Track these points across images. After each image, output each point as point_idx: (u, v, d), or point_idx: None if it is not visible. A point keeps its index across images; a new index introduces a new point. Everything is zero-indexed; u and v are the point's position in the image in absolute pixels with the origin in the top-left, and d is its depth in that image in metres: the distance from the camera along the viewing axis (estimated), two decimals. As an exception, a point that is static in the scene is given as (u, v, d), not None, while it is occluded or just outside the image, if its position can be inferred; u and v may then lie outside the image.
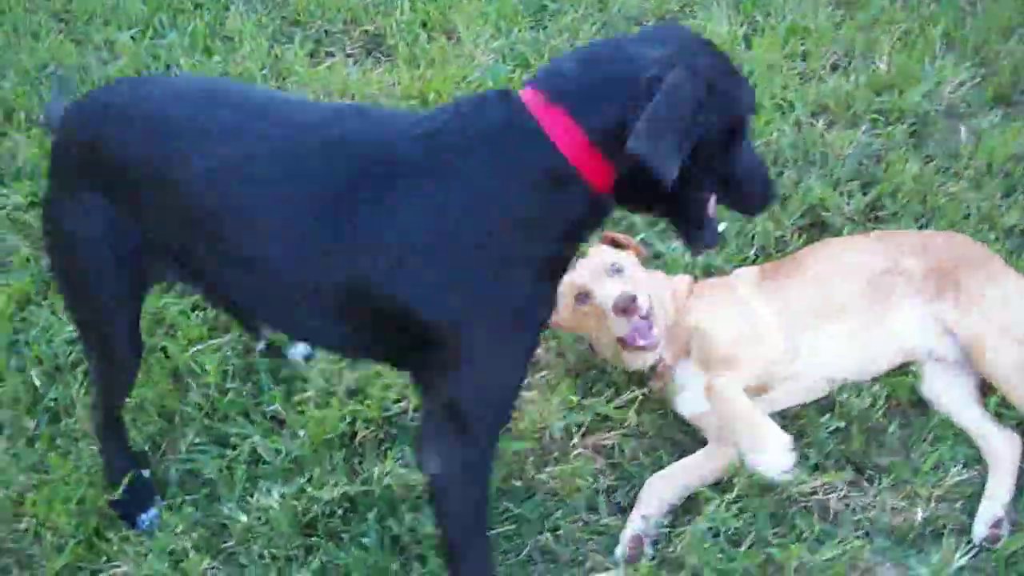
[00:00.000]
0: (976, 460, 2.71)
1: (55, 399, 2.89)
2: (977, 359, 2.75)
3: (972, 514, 2.58)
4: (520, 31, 4.36)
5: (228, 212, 2.06)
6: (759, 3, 4.55)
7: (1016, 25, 4.43)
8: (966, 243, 3.07)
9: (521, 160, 1.94)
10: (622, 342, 2.73)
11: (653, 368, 2.83)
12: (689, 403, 2.80)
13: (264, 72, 4.11)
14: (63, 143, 2.29)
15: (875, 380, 2.86)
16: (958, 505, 2.62)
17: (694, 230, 2.19)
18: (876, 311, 2.84)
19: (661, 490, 2.62)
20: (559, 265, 2.11)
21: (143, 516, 2.62)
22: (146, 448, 2.78)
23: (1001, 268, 2.94)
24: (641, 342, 2.68)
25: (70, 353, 2.99)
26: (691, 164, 1.92)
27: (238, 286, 2.17)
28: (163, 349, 2.97)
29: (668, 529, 2.57)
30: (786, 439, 2.45)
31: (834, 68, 4.20)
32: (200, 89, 2.28)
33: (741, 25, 4.39)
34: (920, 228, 3.34)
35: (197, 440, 2.78)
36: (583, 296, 2.75)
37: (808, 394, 2.85)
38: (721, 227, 2.79)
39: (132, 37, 4.38)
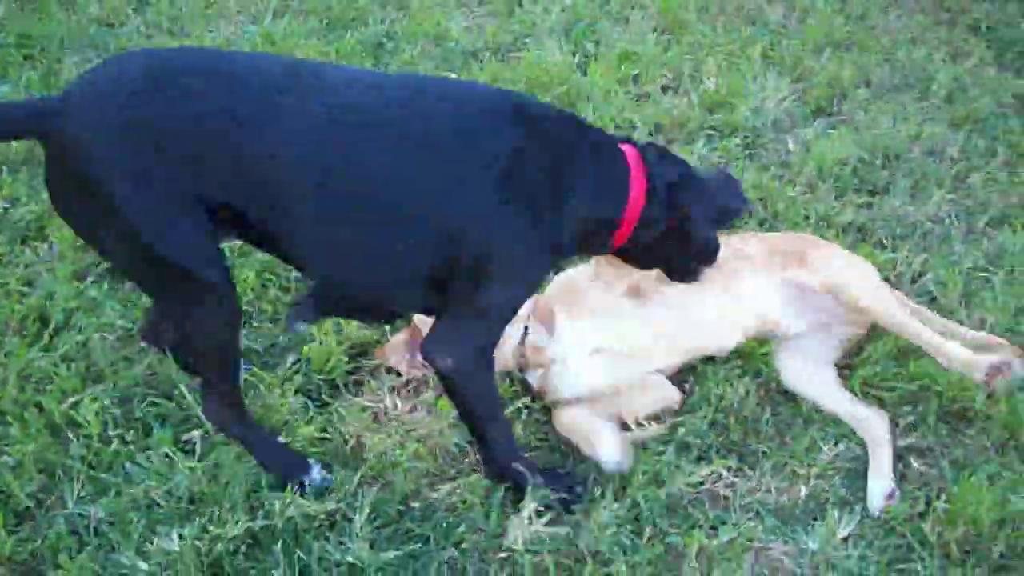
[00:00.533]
0: (844, 436, 2.88)
1: None
2: (840, 294, 3.00)
3: (849, 487, 2.74)
4: (362, 67, 4.41)
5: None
6: (589, 33, 4.76)
7: (826, 43, 4.78)
8: (806, 236, 3.30)
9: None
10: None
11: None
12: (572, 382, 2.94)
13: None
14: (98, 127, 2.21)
15: (746, 373, 3.01)
16: (836, 480, 2.77)
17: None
18: (727, 287, 3.01)
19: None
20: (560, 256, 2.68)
21: (314, 475, 2.70)
22: (30, 506, 2.64)
23: (840, 249, 3.20)
24: None
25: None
26: None
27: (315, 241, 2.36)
28: (37, 404, 2.85)
29: (571, 528, 2.64)
30: (616, 437, 2.77)
31: (665, 90, 4.42)
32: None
33: (574, 55, 4.57)
34: (765, 231, 3.54)
35: (83, 493, 2.66)
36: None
37: (685, 355, 3.03)
38: None
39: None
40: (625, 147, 2.62)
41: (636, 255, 2.73)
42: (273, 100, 2.24)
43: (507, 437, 2.69)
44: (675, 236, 2.66)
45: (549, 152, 2.43)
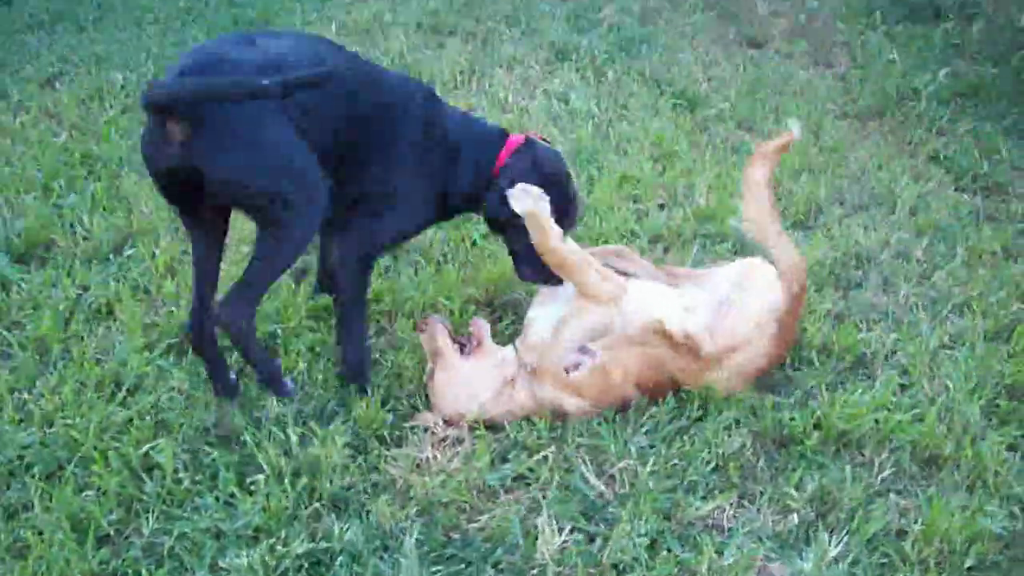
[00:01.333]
0: (824, 468, 3.28)
1: (14, 498, 3.04)
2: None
3: (836, 516, 3.10)
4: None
5: None
6: (592, 160, 5.32)
7: (803, 169, 5.36)
8: None
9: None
10: None
11: None
12: None
13: (167, 225, 4.50)
14: None
15: (741, 425, 3.42)
16: (823, 509, 3.14)
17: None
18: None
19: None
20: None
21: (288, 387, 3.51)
22: (110, 533, 2.95)
23: None
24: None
25: (23, 457, 3.17)
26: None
27: None
28: (116, 449, 3.19)
29: (590, 546, 2.99)
30: None
31: (661, 207, 4.93)
32: None
33: (580, 178, 5.11)
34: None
35: (157, 525, 2.96)
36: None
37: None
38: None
39: (35, 198, 4.72)
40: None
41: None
42: None
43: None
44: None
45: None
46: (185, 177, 2.90)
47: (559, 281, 3.52)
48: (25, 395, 3.43)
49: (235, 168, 2.91)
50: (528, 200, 3.35)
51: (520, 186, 3.38)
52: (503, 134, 3.67)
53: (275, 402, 3.43)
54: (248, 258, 3.17)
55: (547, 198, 3.38)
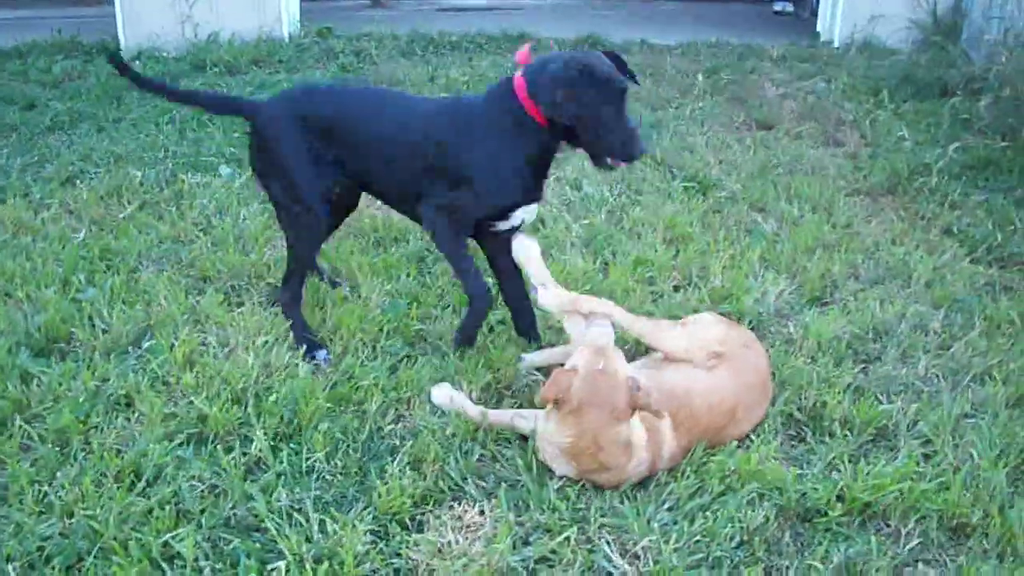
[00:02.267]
0: (850, 546, 3.23)
1: None
2: None
3: (864, 588, 3.09)
4: (407, 276, 4.99)
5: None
6: (607, 245, 5.37)
7: (816, 246, 5.39)
8: None
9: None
10: None
11: None
12: None
13: (186, 317, 4.55)
14: (276, 116, 4.28)
15: (764, 499, 3.39)
16: (850, 581, 3.13)
17: (596, 159, 4.03)
18: None
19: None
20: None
21: (322, 353, 4.31)
22: None
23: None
24: None
25: (43, 549, 3.15)
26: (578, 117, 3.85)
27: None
28: (136, 539, 3.18)
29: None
30: None
31: (676, 288, 4.95)
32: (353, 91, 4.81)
33: (595, 261, 5.15)
34: (773, 399, 3.99)
35: None
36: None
37: None
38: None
39: (55, 292, 4.78)
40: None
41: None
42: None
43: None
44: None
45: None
46: None
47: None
48: (46, 487, 3.43)
49: None
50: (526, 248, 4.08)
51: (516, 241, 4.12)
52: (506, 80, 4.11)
53: (293, 489, 3.43)
54: None
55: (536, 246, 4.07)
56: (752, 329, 4.49)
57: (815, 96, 8.96)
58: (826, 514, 3.33)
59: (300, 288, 4.47)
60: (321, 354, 4.28)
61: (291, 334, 4.39)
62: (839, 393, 3.99)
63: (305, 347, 4.30)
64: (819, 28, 12.20)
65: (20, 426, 3.75)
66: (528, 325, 4.41)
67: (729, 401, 3.69)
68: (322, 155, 4.22)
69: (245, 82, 9.40)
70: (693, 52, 11.04)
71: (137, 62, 10.27)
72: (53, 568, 3.06)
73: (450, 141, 4.05)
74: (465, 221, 4.12)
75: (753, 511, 3.32)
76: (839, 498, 3.39)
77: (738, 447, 3.65)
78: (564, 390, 3.40)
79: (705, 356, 3.80)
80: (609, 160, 3.95)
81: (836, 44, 11.59)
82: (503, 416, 3.78)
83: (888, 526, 3.33)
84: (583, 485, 3.47)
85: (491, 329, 4.50)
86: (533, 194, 4.14)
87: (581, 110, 3.82)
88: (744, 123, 8.22)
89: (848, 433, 3.77)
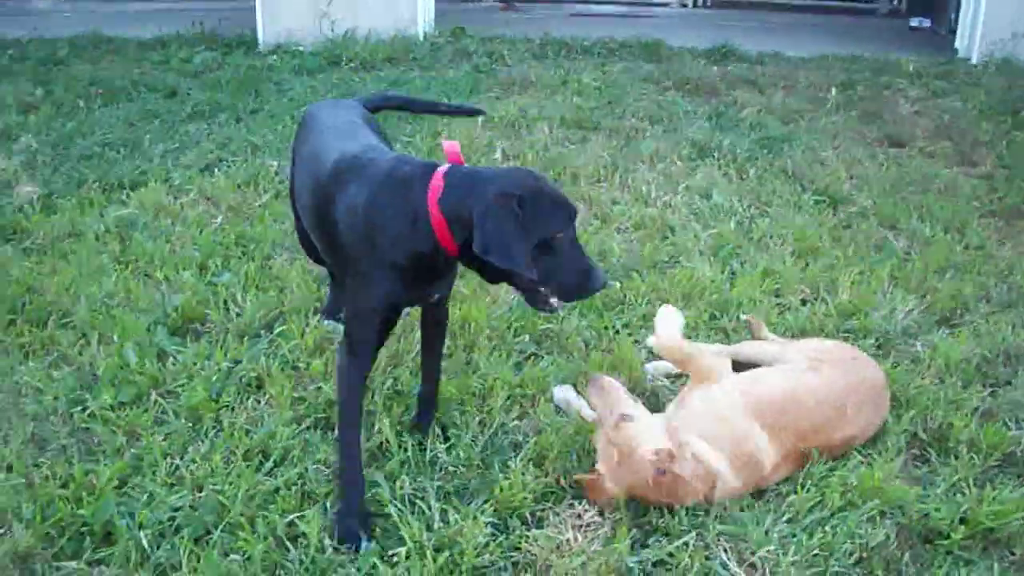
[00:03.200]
0: (971, 571, 3.19)
1: (163, 558, 3.16)
2: None
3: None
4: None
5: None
6: (735, 254, 5.38)
7: (948, 267, 5.32)
8: None
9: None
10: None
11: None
12: None
13: (316, 305, 4.70)
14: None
15: (885, 515, 3.39)
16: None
17: (531, 301, 3.23)
18: None
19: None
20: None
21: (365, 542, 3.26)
22: None
23: None
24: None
25: (173, 519, 3.30)
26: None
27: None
28: (262, 517, 3.30)
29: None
30: None
31: (804, 302, 4.93)
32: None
33: (722, 271, 5.17)
34: (898, 415, 3.95)
35: None
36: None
37: None
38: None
39: (192, 275, 5.00)
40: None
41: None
42: None
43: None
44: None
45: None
46: None
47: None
48: (177, 460, 3.60)
49: None
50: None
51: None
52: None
53: (416, 478, 3.52)
54: None
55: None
56: (878, 347, 4.47)
57: (949, 114, 8.79)
58: (948, 536, 3.29)
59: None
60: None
61: None
62: (966, 415, 3.93)
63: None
64: (957, 45, 11.95)
65: (156, 401, 3.94)
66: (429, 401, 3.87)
67: (837, 396, 3.67)
68: None
69: (380, 78, 9.59)
70: (827, 65, 10.90)
71: (274, 56, 10.58)
72: (182, 538, 3.20)
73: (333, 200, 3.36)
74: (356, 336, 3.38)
75: (873, 528, 3.31)
76: (962, 521, 3.35)
77: (860, 463, 3.63)
78: (603, 495, 3.43)
79: (807, 359, 3.84)
80: (553, 301, 3.22)
81: (974, 61, 11.33)
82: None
83: (1012, 554, 3.27)
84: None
85: (617, 332, 4.55)
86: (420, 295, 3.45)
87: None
88: (876, 139, 8.10)
89: (974, 456, 3.71)
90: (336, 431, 3.48)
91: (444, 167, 3.17)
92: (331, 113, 3.96)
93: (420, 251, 3.16)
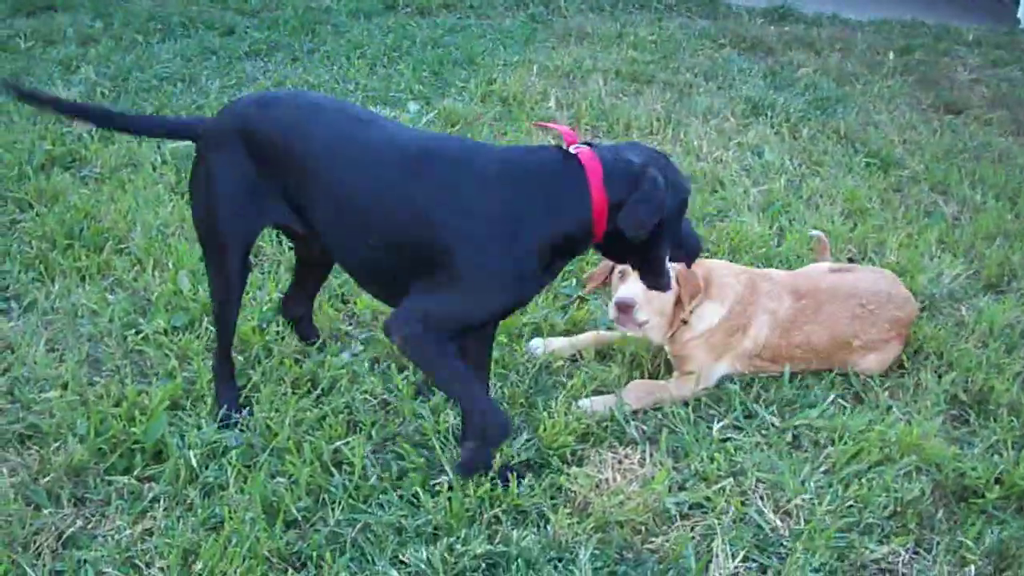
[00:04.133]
0: (1004, 529, 3.22)
1: (211, 477, 3.25)
2: None
3: (1003, 571, 3.08)
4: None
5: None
6: (784, 212, 5.39)
7: (997, 233, 5.30)
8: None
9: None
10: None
11: None
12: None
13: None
14: (218, 125, 3.35)
15: (921, 472, 3.42)
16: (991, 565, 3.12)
17: (653, 276, 3.25)
18: None
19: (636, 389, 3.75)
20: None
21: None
22: (298, 518, 3.11)
23: None
24: (624, 329, 3.82)
25: (219, 442, 3.38)
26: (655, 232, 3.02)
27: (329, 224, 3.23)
28: (309, 443, 3.38)
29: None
30: None
31: (851, 261, 4.94)
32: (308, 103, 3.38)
33: (770, 227, 5.18)
34: (939, 376, 3.99)
35: (342, 516, 3.12)
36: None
37: None
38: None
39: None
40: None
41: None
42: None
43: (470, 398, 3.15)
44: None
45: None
46: None
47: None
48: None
49: None
50: None
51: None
52: None
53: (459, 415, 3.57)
54: None
55: None
56: (923, 308, 4.47)
57: (1008, 83, 8.69)
58: (983, 495, 3.33)
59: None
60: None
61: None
62: (1008, 380, 3.95)
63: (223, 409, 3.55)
64: (1019, 15, 11.75)
65: (207, 327, 4.02)
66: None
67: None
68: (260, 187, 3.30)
69: (435, 24, 9.57)
70: (886, 30, 10.76)
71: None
72: (231, 461, 3.29)
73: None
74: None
75: (909, 484, 3.35)
76: (998, 481, 3.38)
77: (899, 419, 3.67)
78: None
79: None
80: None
81: (1036, 32, 11.17)
82: None
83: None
84: (743, 440, 3.56)
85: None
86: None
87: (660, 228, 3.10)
88: (932, 105, 8.03)
89: (1014, 420, 3.73)
90: (446, 392, 3.40)
91: (585, 150, 3.07)
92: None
93: (571, 239, 3.08)
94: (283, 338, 4.00)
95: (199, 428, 3.43)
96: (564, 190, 3.01)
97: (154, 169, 5.56)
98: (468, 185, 3.03)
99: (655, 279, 3.26)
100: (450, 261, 2.99)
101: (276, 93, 3.94)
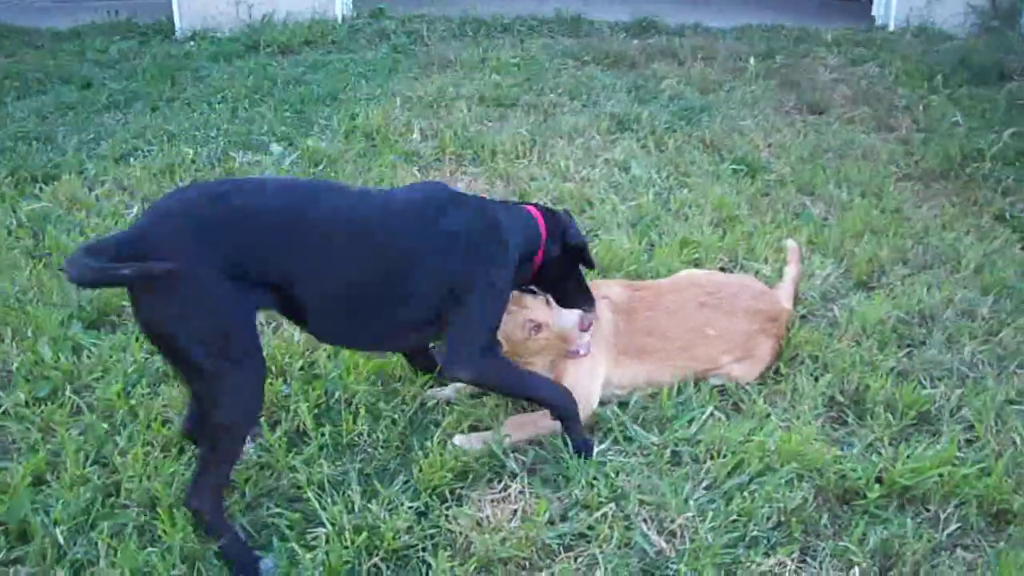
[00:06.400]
0: (887, 528, 3.22)
1: (80, 554, 3.08)
2: None
3: (888, 570, 3.08)
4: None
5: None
6: (653, 225, 5.37)
7: (864, 230, 5.37)
8: None
9: None
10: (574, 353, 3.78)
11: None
12: None
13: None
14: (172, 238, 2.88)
15: (802, 479, 3.40)
16: (885, 563, 3.11)
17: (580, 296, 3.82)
18: None
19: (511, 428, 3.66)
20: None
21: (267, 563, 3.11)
22: None
23: None
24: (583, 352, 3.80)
25: (91, 516, 3.22)
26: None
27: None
28: (181, 507, 3.21)
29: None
30: None
31: (723, 270, 4.93)
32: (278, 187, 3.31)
33: (640, 243, 5.16)
34: (815, 378, 3.99)
35: None
36: (538, 327, 3.70)
37: None
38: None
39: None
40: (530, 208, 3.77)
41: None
42: None
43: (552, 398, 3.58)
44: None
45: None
46: None
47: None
48: (92, 455, 3.53)
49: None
50: None
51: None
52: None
53: (335, 462, 3.50)
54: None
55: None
56: (803, 317, 4.49)
57: (868, 81, 8.88)
58: (865, 496, 3.33)
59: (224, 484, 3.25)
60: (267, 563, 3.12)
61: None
62: (882, 377, 3.97)
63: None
64: (874, 12, 12.04)
65: (70, 396, 3.85)
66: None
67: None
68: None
69: (298, 62, 9.47)
70: (748, 35, 10.94)
71: (192, 43, 10.40)
72: (100, 532, 3.14)
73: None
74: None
75: (791, 491, 3.33)
76: (878, 480, 3.39)
77: (777, 428, 3.65)
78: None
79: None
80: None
81: (891, 28, 11.42)
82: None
83: (927, 510, 3.32)
84: (623, 463, 3.50)
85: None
86: None
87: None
88: (795, 107, 8.16)
89: (890, 416, 3.75)
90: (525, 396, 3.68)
91: (530, 206, 3.80)
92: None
93: (528, 257, 3.66)
94: (152, 398, 3.84)
95: (63, 502, 3.26)
96: (528, 226, 3.66)
97: (9, 233, 5.35)
98: (459, 216, 3.42)
99: (583, 299, 3.84)
100: (469, 299, 3.38)
101: (221, 184, 3.49)
